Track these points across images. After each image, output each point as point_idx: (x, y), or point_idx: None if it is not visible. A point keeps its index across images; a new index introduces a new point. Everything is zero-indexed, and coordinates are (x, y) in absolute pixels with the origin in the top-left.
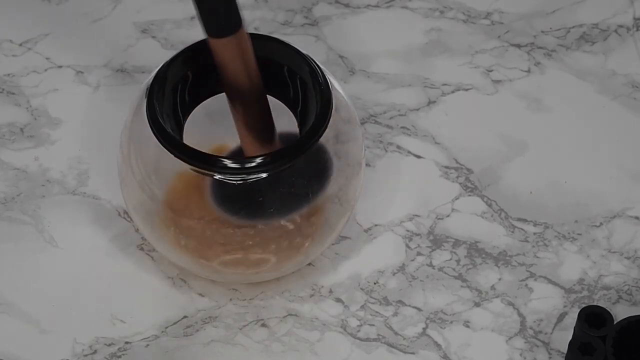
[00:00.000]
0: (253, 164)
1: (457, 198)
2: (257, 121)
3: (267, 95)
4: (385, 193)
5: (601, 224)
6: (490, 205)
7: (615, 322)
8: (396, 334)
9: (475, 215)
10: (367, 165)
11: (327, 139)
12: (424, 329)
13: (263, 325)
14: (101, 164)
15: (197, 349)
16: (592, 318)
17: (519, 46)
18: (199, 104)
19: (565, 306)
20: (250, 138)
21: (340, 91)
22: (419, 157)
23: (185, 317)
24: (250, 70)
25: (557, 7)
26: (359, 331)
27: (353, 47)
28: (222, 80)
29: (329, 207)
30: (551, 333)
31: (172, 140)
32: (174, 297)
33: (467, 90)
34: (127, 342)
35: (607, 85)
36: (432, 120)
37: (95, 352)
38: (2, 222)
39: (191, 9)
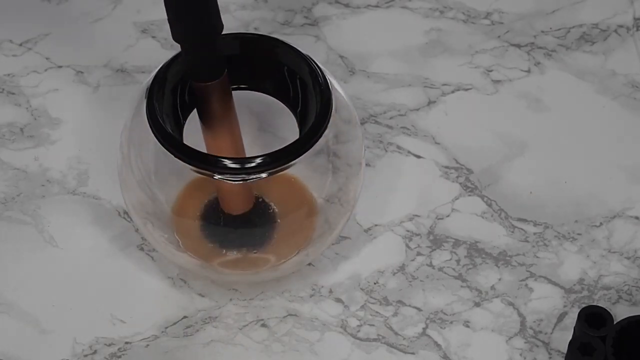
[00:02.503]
0: (253, 164)
1: (457, 198)
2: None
3: (267, 95)
4: (385, 193)
5: (601, 224)
6: (490, 205)
7: (615, 322)
8: (396, 334)
9: (475, 215)
10: (367, 165)
11: (327, 139)
12: (424, 329)
13: (263, 325)
14: (101, 164)
15: (197, 349)
16: (592, 318)
17: (519, 46)
18: None
19: (565, 306)
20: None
21: (340, 91)
22: (419, 157)
23: (185, 317)
24: (228, 111)
25: (557, 7)
26: (359, 331)
27: (353, 47)
28: (200, 116)
29: (329, 207)
30: (551, 333)
31: (172, 140)
32: (174, 297)
33: (467, 90)
34: (127, 342)
35: (607, 85)
36: (432, 120)
37: (95, 352)
38: (2, 222)
39: None
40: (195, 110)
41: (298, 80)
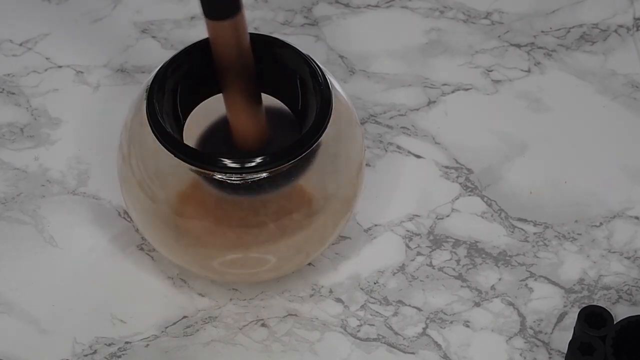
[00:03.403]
0: (253, 164)
1: (457, 198)
2: (247, 106)
3: (267, 95)
4: (385, 193)
5: (601, 224)
6: (490, 205)
7: (615, 322)
8: (396, 334)
9: (475, 215)
10: (367, 165)
11: (327, 139)
12: (424, 329)
13: (263, 325)
14: (101, 164)
15: (197, 349)
16: (592, 318)
17: (519, 46)
18: (199, 104)
19: (565, 306)
20: (240, 124)
21: (340, 91)
22: (419, 157)
23: (185, 317)
24: (244, 56)
25: (557, 7)
26: (359, 331)
27: (353, 47)
28: (215, 63)
29: (329, 207)
30: (551, 333)
31: (172, 140)
32: (174, 297)
33: (467, 90)
34: (127, 342)
35: (607, 85)
36: (432, 120)
37: (95, 352)
38: (2, 222)
39: (191, 9)
40: (194, 110)
41: (298, 80)
